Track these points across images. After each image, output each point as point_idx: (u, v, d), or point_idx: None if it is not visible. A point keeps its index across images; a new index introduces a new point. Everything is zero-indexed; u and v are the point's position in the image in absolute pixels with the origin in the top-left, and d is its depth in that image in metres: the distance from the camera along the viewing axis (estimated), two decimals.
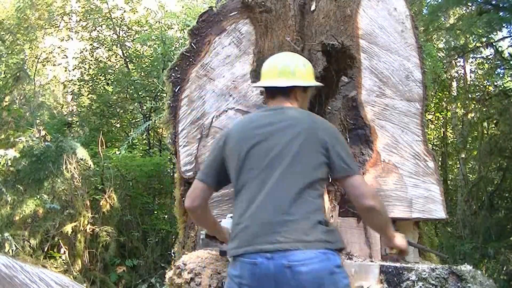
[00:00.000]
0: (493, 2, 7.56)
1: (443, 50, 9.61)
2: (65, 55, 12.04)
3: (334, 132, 2.05)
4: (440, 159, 9.74)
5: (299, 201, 1.87)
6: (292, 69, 2.10)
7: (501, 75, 9.62)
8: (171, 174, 8.60)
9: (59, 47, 12.00)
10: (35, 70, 11.78)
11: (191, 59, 3.55)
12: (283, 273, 1.77)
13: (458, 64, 10.66)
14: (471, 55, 10.16)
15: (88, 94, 11.03)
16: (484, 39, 8.54)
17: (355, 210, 3.29)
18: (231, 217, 2.67)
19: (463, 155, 9.98)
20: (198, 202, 2.10)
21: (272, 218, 1.85)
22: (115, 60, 11.25)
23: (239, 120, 2.22)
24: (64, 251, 6.92)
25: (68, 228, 6.72)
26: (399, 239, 2.15)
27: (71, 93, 12.30)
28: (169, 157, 8.47)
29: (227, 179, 2.07)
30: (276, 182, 1.88)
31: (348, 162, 1.97)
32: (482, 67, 10.71)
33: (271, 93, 2.13)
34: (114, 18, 10.43)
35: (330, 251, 1.84)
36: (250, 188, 1.92)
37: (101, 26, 10.78)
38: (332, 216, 2.97)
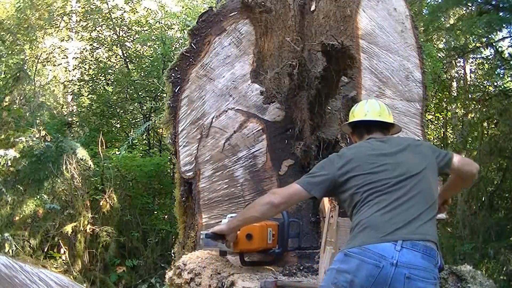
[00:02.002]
0: (493, 2, 7.55)
1: (443, 50, 9.60)
2: (65, 55, 12.04)
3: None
4: None
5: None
6: (388, 111, 2.54)
7: (501, 75, 9.60)
8: (171, 174, 8.60)
9: (59, 47, 12.00)
10: (35, 70, 11.78)
11: (191, 59, 3.55)
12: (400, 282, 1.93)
13: (458, 64, 10.65)
14: (471, 56, 10.15)
15: (88, 94, 11.03)
16: (484, 40, 8.53)
17: None
18: (231, 217, 2.67)
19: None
20: (290, 205, 2.50)
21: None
22: (115, 60, 11.25)
23: (354, 145, 2.47)
24: (64, 251, 6.92)
25: (68, 228, 6.72)
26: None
27: (71, 93, 12.31)
28: (169, 157, 8.48)
29: (329, 195, 2.40)
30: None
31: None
32: (482, 68, 10.70)
33: (370, 127, 2.45)
34: (114, 18, 10.43)
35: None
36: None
37: (101, 26, 10.78)
38: (332, 216, 2.96)
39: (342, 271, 1.99)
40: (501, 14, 7.42)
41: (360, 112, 2.51)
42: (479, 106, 9.23)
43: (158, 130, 10.31)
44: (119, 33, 10.63)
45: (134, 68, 10.65)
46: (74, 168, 7.05)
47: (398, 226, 2.00)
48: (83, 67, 11.06)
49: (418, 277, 1.93)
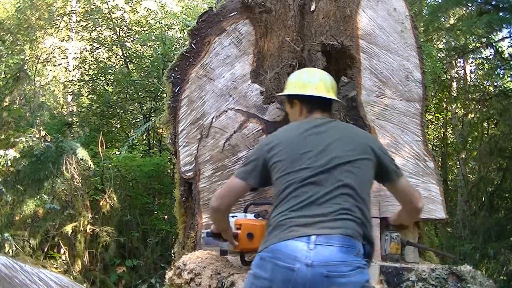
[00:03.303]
0: (493, 3, 7.55)
1: (443, 51, 9.61)
2: (65, 55, 12.05)
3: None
4: (440, 159, 9.74)
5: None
6: (335, 85, 2.31)
7: (501, 76, 9.61)
8: (171, 174, 8.60)
9: (59, 48, 12.01)
10: (35, 71, 11.79)
11: (191, 60, 3.55)
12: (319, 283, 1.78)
13: (458, 64, 10.65)
14: (471, 56, 10.14)
15: (88, 95, 11.03)
16: (484, 40, 8.53)
17: None
18: (231, 216, 2.67)
19: (463, 156, 9.98)
20: (232, 202, 2.19)
21: None
22: (115, 60, 11.25)
23: (285, 127, 2.25)
24: (64, 252, 6.92)
25: (68, 228, 6.72)
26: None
27: (71, 93, 12.32)
28: (169, 157, 8.48)
29: (267, 182, 2.13)
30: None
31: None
32: (482, 68, 10.70)
33: (314, 104, 2.22)
34: (114, 18, 10.43)
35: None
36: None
37: (101, 26, 10.78)
38: None
39: (258, 276, 1.85)
40: (501, 14, 7.42)
41: (309, 84, 2.24)
42: (479, 106, 9.23)
43: (158, 130, 10.31)
44: (119, 33, 10.63)
45: (134, 68, 10.65)
46: (74, 168, 7.05)
47: (312, 221, 1.83)
48: (83, 67, 11.06)
49: (337, 273, 1.77)
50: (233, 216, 2.65)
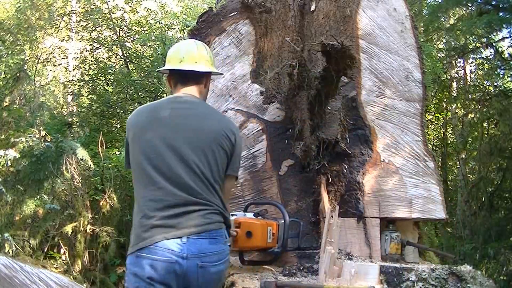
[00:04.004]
0: (493, 3, 7.56)
1: (443, 51, 9.61)
2: (65, 55, 12.05)
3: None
4: (440, 159, 9.75)
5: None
6: (209, 55, 2.24)
7: (501, 76, 9.62)
8: None
9: (59, 48, 12.01)
10: (35, 71, 11.78)
11: None
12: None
13: (458, 64, 10.66)
14: (471, 56, 10.15)
15: (88, 95, 11.03)
16: (484, 40, 8.54)
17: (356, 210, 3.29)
18: (232, 215, 2.68)
19: (463, 156, 9.99)
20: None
21: None
22: (115, 60, 11.25)
23: (146, 108, 2.21)
24: (64, 252, 6.91)
25: (68, 228, 6.71)
26: None
27: (71, 93, 12.31)
28: None
29: None
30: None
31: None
32: (482, 68, 10.71)
33: (175, 78, 2.20)
34: (114, 18, 10.43)
35: None
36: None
37: (101, 27, 10.78)
38: (332, 216, 2.96)
39: (137, 274, 1.92)
40: (501, 14, 7.43)
41: (173, 56, 2.21)
42: (479, 106, 9.24)
43: None
44: (119, 33, 10.63)
45: (134, 68, 10.65)
46: (74, 168, 7.03)
47: (180, 221, 1.93)
48: (83, 67, 11.06)
49: (209, 263, 1.94)
50: (232, 215, 2.66)
